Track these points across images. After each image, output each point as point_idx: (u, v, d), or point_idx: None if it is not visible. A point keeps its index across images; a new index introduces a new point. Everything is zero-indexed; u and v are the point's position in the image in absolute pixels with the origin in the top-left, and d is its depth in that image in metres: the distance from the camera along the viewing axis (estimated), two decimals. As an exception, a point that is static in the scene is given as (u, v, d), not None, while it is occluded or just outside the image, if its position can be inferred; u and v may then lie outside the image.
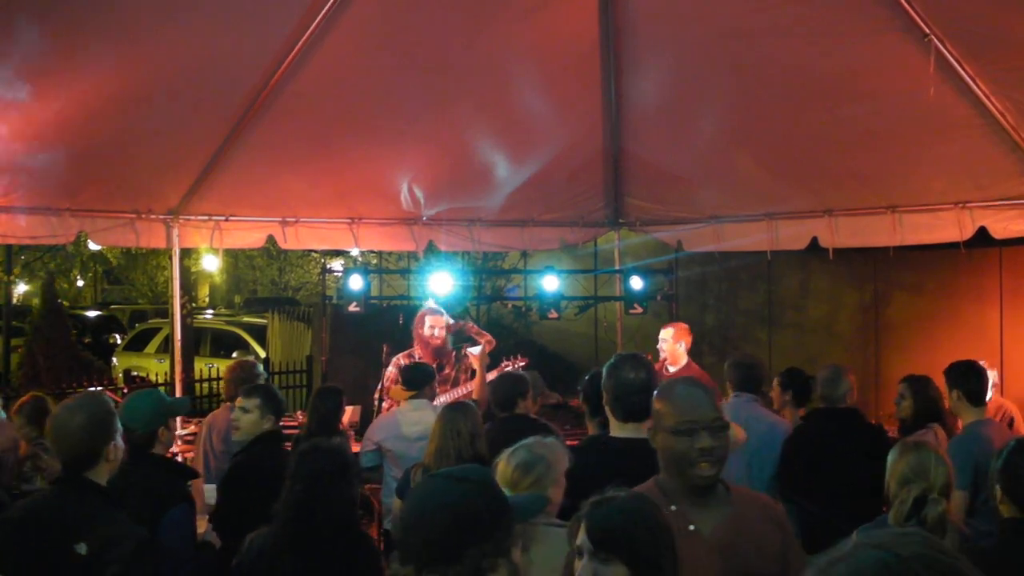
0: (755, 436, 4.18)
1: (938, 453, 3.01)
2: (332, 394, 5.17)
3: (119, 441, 2.85)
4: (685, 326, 6.45)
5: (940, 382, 4.62)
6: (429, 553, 1.70)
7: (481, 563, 1.71)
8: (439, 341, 6.19)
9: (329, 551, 2.96)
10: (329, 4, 5.11)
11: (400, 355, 6.32)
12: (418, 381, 5.12)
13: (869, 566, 1.11)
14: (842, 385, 4.59)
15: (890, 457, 3.06)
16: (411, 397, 5.07)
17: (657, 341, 6.41)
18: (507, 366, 6.49)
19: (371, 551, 3.13)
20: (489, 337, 6.59)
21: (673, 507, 2.38)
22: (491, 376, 6.40)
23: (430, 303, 6.56)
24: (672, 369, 6.24)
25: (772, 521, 2.45)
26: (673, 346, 6.27)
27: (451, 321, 6.36)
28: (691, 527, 2.35)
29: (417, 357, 6.22)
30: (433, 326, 6.20)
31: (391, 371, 6.29)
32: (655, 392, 2.58)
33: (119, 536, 2.64)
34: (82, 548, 2.59)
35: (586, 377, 4.18)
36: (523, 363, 6.47)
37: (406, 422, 4.97)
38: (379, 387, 6.30)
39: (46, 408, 4.66)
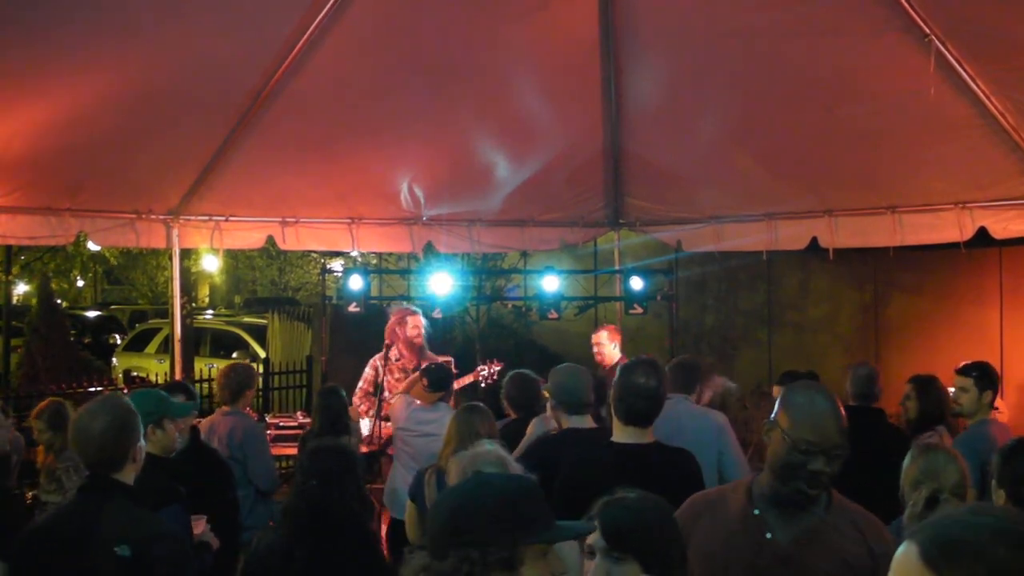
0: (690, 433, 4.10)
1: (949, 454, 2.99)
2: (337, 393, 5.21)
3: (143, 442, 2.85)
4: (613, 326, 6.78)
5: (943, 381, 4.62)
6: (467, 539, 1.67)
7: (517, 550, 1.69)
8: (421, 340, 6.26)
9: (338, 546, 2.97)
10: (329, 4, 5.10)
11: (376, 356, 6.37)
12: (444, 382, 5.19)
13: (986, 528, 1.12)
14: (876, 384, 4.62)
15: (905, 461, 3.06)
16: (434, 401, 5.14)
17: (657, 342, 6.46)
18: (482, 370, 6.54)
19: (377, 547, 3.15)
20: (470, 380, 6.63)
21: (756, 511, 2.34)
22: (466, 380, 6.51)
23: (406, 304, 6.65)
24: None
25: (866, 544, 2.29)
26: (609, 347, 6.54)
27: (427, 323, 6.45)
28: (768, 535, 2.30)
29: (395, 358, 6.27)
30: (416, 326, 6.28)
31: (368, 372, 6.37)
32: (783, 391, 2.43)
33: (159, 535, 2.64)
34: (125, 550, 2.57)
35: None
36: (498, 367, 6.54)
37: (426, 419, 5.04)
38: (358, 388, 6.34)
39: (65, 412, 4.64)
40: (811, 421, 2.28)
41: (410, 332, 6.28)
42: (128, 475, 2.76)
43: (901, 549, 1.16)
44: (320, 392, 5.33)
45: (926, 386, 4.79)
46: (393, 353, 6.33)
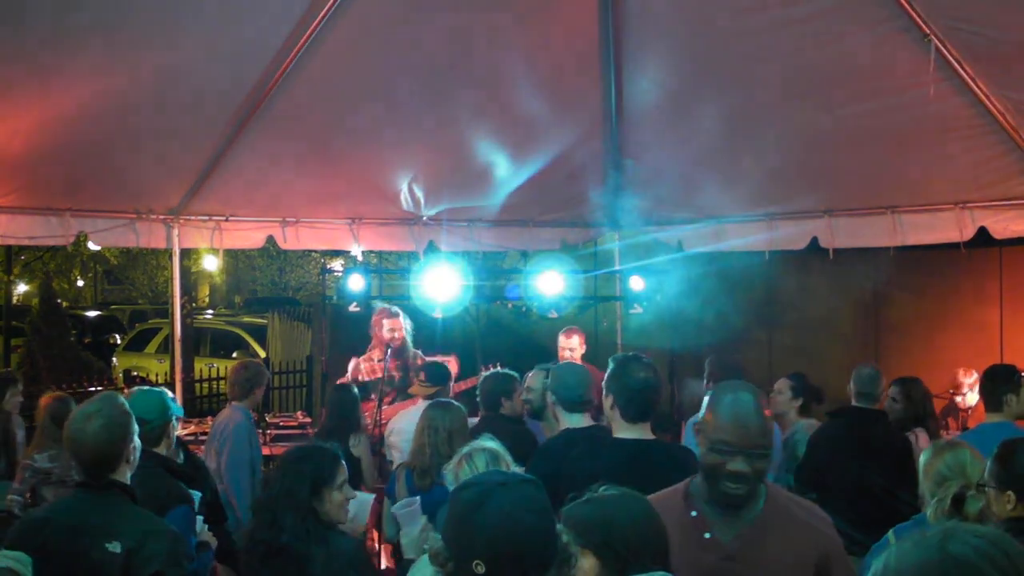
0: None
1: (973, 451, 2.99)
2: (348, 390, 5.21)
3: (137, 441, 2.85)
4: (576, 327, 6.69)
5: (943, 381, 4.63)
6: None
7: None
8: (398, 343, 6.25)
9: (305, 544, 2.89)
10: (329, 4, 5.10)
11: (360, 359, 6.38)
12: (440, 377, 5.18)
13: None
14: (880, 386, 4.66)
15: (923, 458, 3.05)
16: (432, 394, 5.10)
17: (657, 341, 6.44)
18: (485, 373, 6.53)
19: (338, 543, 2.99)
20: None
21: (693, 513, 2.36)
22: (470, 383, 6.48)
23: (386, 305, 6.61)
24: None
25: (811, 536, 2.34)
26: (580, 352, 6.44)
27: (409, 324, 6.41)
28: (707, 535, 2.33)
29: (376, 360, 6.27)
30: (393, 329, 6.26)
31: (351, 370, 6.40)
32: (709, 394, 2.47)
33: (153, 532, 2.65)
34: (116, 547, 2.58)
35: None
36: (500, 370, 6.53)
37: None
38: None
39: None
40: (732, 422, 2.30)
41: (385, 335, 6.28)
42: (123, 474, 2.77)
43: None
44: (333, 388, 5.31)
45: (910, 388, 4.83)
46: (376, 354, 6.33)
